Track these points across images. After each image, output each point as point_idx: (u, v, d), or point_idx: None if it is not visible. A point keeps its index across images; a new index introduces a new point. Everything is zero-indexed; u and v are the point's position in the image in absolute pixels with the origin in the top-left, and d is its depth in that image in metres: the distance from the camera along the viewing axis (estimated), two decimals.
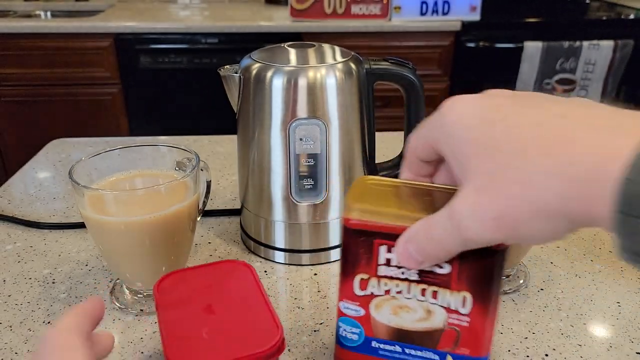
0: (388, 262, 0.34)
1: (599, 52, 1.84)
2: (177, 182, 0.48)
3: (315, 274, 0.57)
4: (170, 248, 0.50)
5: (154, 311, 0.50)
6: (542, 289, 0.54)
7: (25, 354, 0.46)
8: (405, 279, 0.34)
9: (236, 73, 0.55)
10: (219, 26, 1.81)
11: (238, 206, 0.63)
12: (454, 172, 0.30)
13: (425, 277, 0.34)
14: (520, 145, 0.25)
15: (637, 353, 0.46)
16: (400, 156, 0.63)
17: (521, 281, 0.55)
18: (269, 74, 0.52)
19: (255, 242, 0.60)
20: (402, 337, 0.36)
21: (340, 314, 0.38)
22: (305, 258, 0.58)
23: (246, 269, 0.44)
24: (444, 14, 1.85)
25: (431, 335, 0.35)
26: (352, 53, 0.57)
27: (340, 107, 0.53)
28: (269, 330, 0.37)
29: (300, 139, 0.53)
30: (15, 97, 1.85)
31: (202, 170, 0.55)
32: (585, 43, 1.83)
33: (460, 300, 0.34)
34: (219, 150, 0.88)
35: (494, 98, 0.28)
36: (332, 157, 0.54)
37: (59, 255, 0.60)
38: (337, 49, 0.58)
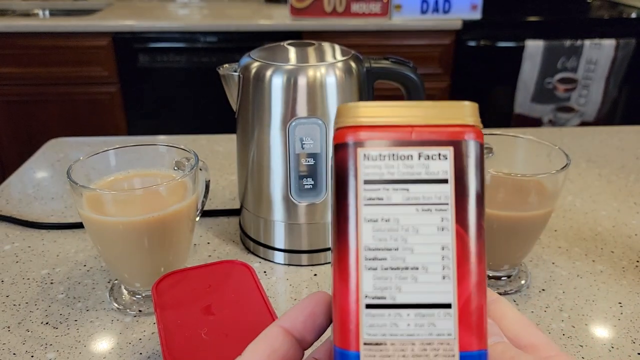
0: None
1: (600, 51, 1.83)
2: (175, 182, 0.48)
3: (315, 275, 0.57)
4: (168, 248, 0.50)
5: (152, 312, 0.50)
6: (543, 290, 0.54)
7: (23, 355, 0.45)
8: None
9: (235, 72, 0.55)
10: (218, 25, 1.81)
11: (237, 206, 0.63)
12: None
13: None
14: None
15: (639, 354, 0.46)
16: None
17: (522, 282, 0.55)
18: (269, 72, 0.52)
19: (255, 243, 0.59)
20: None
21: None
22: (305, 258, 0.58)
23: (245, 269, 0.44)
24: (445, 12, 1.85)
25: None
26: (352, 52, 0.57)
27: None
28: None
29: (300, 139, 0.52)
30: (12, 97, 1.85)
31: (201, 169, 0.54)
32: (587, 42, 1.82)
33: None
34: (218, 150, 0.88)
35: None
36: None
37: (57, 256, 0.59)
38: (337, 47, 0.58)
